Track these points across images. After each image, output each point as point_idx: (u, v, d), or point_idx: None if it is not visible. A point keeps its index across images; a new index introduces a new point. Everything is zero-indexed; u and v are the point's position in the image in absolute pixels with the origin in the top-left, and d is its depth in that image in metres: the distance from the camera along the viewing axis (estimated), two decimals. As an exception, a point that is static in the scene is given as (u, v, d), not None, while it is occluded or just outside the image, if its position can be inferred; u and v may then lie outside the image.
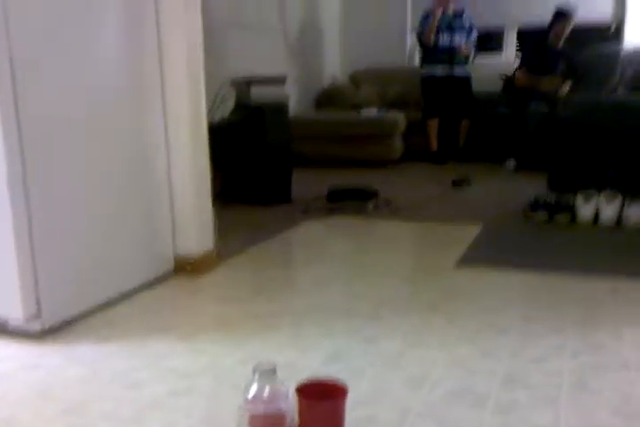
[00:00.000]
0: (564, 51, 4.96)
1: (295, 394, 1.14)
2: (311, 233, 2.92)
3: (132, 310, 1.91)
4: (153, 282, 2.13)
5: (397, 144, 5.17)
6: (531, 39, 5.68)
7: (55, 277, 1.73)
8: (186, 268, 2.23)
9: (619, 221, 2.82)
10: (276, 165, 3.58)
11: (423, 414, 1.28)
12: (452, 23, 5.15)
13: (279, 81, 3.79)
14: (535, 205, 2.99)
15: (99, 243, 1.89)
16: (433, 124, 5.21)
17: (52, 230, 1.71)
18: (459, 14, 5.19)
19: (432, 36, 5.06)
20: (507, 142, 4.92)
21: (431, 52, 5.19)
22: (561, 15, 4.87)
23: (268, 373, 1.12)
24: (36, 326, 1.70)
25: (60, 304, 1.76)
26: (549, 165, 3.25)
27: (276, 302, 1.96)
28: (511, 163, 4.81)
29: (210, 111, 2.72)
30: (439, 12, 5.03)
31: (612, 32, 5.74)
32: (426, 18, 5.14)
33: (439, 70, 5.18)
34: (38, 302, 1.69)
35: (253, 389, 1.12)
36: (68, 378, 1.48)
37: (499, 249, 2.55)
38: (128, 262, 2.03)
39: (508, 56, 5.88)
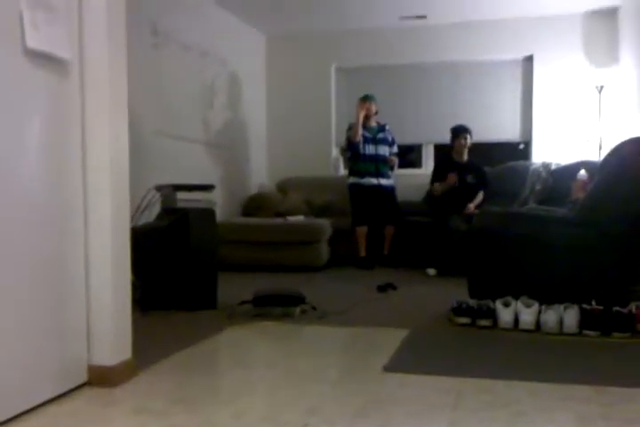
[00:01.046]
0: (470, 164, 5.31)
1: None
2: (236, 339, 2.84)
3: (39, 426, 1.76)
4: (65, 394, 1.99)
5: (324, 250, 5.25)
6: (438, 157, 6.13)
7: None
8: (101, 378, 2.10)
9: (537, 325, 2.90)
10: (201, 270, 3.54)
11: None
12: (375, 136, 5.48)
13: (206, 188, 3.85)
14: (458, 310, 3.04)
15: (4, 354, 1.77)
16: (362, 231, 5.38)
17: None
18: (381, 128, 5.55)
19: (359, 135, 5.35)
20: (428, 250, 5.09)
21: (358, 163, 5.46)
22: (457, 131, 5.31)
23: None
24: None
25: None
26: (468, 274, 3.36)
27: (196, 413, 1.86)
28: (431, 271, 4.97)
29: (134, 215, 2.71)
30: (362, 114, 5.36)
31: (520, 150, 6.22)
32: (351, 128, 5.48)
33: (366, 180, 5.42)
34: None
35: None
36: None
37: (425, 353, 2.55)
38: (38, 374, 1.89)
39: (427, 169, 6.23)
